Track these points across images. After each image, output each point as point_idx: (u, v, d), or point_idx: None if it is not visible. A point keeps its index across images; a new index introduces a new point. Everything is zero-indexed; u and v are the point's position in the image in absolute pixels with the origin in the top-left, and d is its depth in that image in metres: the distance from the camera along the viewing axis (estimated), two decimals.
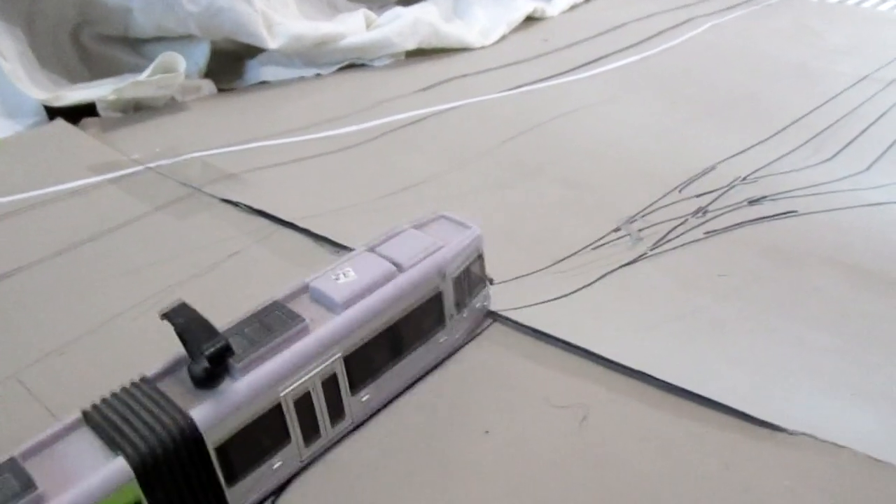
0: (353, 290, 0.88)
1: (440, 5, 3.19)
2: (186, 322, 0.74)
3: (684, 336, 1.17)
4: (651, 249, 1.49)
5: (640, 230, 1.57)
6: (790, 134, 2.25)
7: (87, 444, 0.70)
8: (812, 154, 2.10)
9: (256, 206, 1.49)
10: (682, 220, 1.63)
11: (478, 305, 1.09)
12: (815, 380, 1.10)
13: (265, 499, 0.84)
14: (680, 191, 1.78)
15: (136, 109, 2.00)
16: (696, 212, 1.68)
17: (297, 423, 0.83)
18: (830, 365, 1.14)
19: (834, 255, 1.55)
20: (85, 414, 0.73)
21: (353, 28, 2.51)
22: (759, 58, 3.13)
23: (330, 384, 0.86)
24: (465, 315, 1.05)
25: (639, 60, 3.01)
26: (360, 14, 2.59)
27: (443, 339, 1.02)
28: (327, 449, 0.91)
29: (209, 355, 0.72)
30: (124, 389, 0.75)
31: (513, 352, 1.08)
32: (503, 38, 3.14)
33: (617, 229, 1.51)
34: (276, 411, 0.80)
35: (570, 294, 1.26)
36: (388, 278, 0.91)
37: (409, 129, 2.14)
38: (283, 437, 0.83)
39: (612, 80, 2.73)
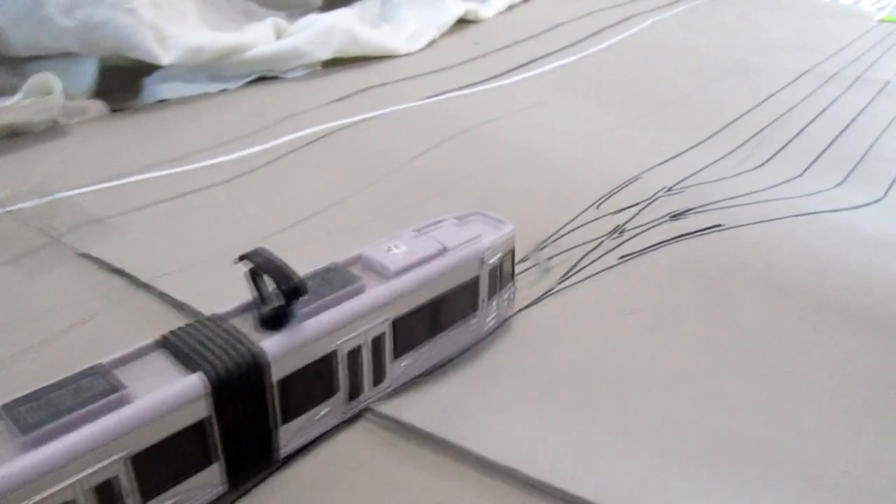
0: (405, 261, 0.94)
1: (366, 10, 3.03)
2: (264, 262, 0.81)
3: (575, 408, 1.02)
4: (559, 283, 1.34)
5: (549, 258, 1.42)
6: (723, 138, 2.12)
7: (166, 362, 0.76)
8: (745, 159, 1.97)
9: (117, 260, 1.31)
10: (597, 242, 1.49)
11: (506, 298, 1.14)
12: (731, 463, 0.95)
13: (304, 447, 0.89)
14: (598, 207, 1.64)
15: (12, 136, 1.81)
16: (613, 231, 1.53)
17: (345, 376, 0.89)
18: (753, 441, 0.98)
19: (760, 275, 1.41)
20: (163, 338, 0.78)
21: (261, 38, 2.34)
22: (699, 55, 3.01)
23: (377, 344, 0.91)
24: (493, 305, 1.10)
25: (574, 61, 2.87)
26: (269, 23, 2.42)
27: (474, 323, 1.07)
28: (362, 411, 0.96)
29: (286, 290, 0.79)
30: (198, 321, 0.81)
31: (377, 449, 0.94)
32: (432, 42, 2.99)
33: (524, 259, 1.36)
34: (330, 360, 0.86)
35: (453, 362, 1.10)
36: (435, 255, 0.97)
37: (316, 146, 1.97)
38: (331, 387, 0.88)
39: (543, 84, 2.59)
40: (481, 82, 2.54)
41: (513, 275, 1.15)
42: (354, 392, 0.92)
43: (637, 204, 1.65)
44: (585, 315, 1.27)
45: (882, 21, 3.67)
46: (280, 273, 0.80)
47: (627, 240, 1.50)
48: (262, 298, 0.83)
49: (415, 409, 1.00)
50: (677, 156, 1.96)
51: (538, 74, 2.69)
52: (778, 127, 2.22)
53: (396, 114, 2.21)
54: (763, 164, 1.95)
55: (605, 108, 2.35)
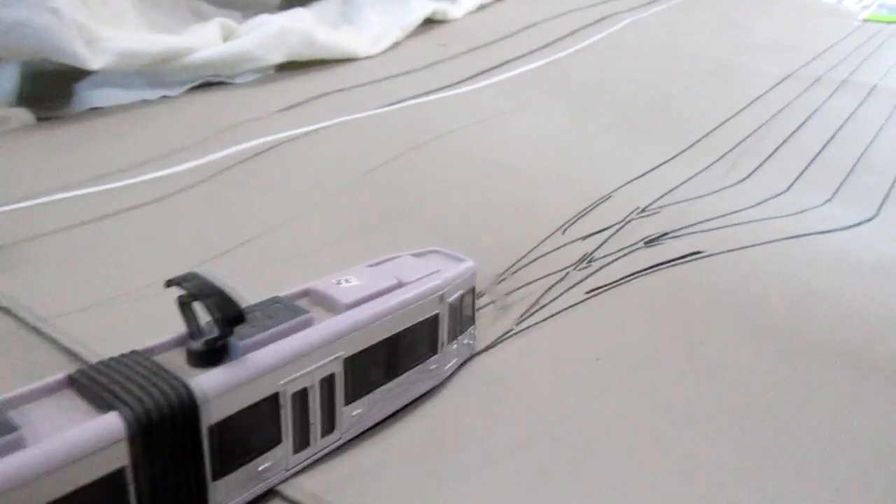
0: (357, 294, 0.87)
1: (326, 11, 2.86)
2: (198, 287, 0.71)
3: (530, 479, 0.86)
4: (517, 323, 1.18)
5: (507, 294, 1.26)
6: (703, 148, 1.97)
7: (75, 402, 0.66)
8: (726, 173, 1.82)
9: (14, 295, 1.14)
10: (563, 274, 1.33)
11: (465, 342, 1.07)
12: None
13: None
14: (563, 231, 1.47)
15: None
16: (580, 261, 1.37)
17: (290, 423, 0.79)
18: None
19: (746, 312, 1.25)
20: (70, 376, 0.68)
21: (206, 40, 2.16)
22: (679, 57, 2.86)
23: (328, 386, 0.83)
24: (454, 347, 1.03)
25: (546, 65, 2.71)
26: (216, 24, 2.24)
27: (434, 366, 0.99)
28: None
29: (224, 318, 0.70)
30: (115, 358, 0.71)
31: None
32: (396, 45, 2.82)
33: (480, 295, 1.20)
34: (273, 403, 0.76)
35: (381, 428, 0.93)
36: (391, 288, 0.91)
37: (261, 159, 1.80)
38: (275, 435, 0.78)
39: (511, 89, 2.43)
40: (445, 88, 2.38)
41: (473, 316, 1.08)
42: (302, 442, 0.82)
43: (608, 228, 1.49)
44: (547, 362, 1.11)
45: (866, 20, 3.55)
46: (217, 299, 0.70)
47: (596, 271, 1.34)
48: (194, 330, 0.73)
49: (333, 482, 0.83)
50: (653, 170, 1.80)
51: (507, 79, 2.53)
52: (761, 136, 2.08)
53: (352, 123, 2.04)
54: (746, 178, 1.79)
55: (578, 116, 2.20)
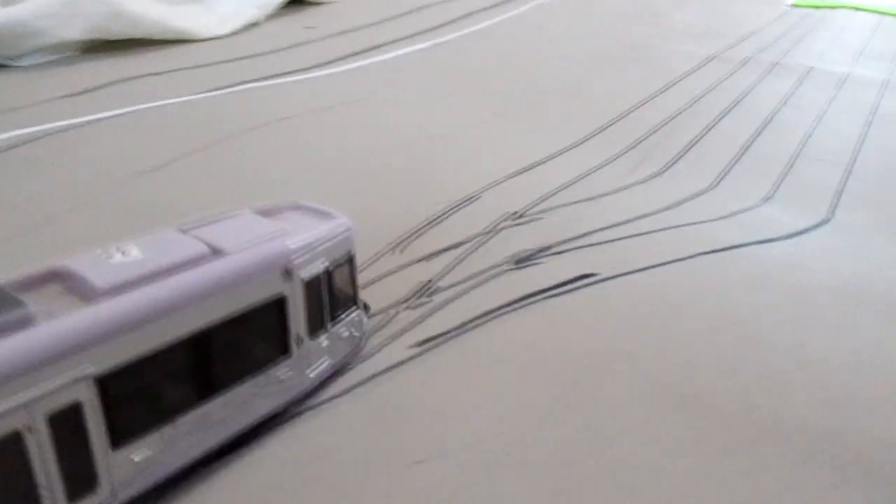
0: (130, 273, 0.60)
1: None
2: None
3: None
4: (311, 396, 0.72)
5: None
6: (608, 137, 1.55)
7: None
8: (636, 166, 1.39)
9: None
10: (390, 314, 0.87)
11: (345, 334, 0.77)
12: None
13: None
14: (401, 250, 1.01)
15: None
16: (419, 292, 0.92)
17: None
18: None
19: (655, 368, 0.82)
20: None
21: None
22: (587, 40, 2.46)
23: (67, 425, 0.56)
24: (323, 343, 0.74)
25: (429, 48, 2.27)
26: None
27: (285, 374, 0.71)
28: None
29: None
30: None
31: None
32: (253, 26, 2.34)
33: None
34: None
35: None
36: (194, 262, 0.63)
37: (22, 151, 1.31)
38: None
39: (380, 74, 1.98)
40: (295, 72, 1.91)
41: (356, 296, 0.81)
42: None
43: (465, 242, 1.04)
44: (340, 467, 0.65)
45: (794, 5, 3.23)
46: None
47: (439, 308, 0.89)
48: None
49: None
50: (540, 163, 1.36)
51: (377, 63, 2.08)
52: (680, 123, 1.67)
53: (154, 111, 1.55)
54: (660, 173, 1.37)
55: (458, 103, 1.75)
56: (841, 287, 1.00)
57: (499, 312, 0.89)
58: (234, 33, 2.26)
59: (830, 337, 0.88)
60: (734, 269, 1.02)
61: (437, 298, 0.91)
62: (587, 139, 1.53)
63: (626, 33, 2.57)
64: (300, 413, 0.73)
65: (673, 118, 1.69)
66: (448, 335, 0.85)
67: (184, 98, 1.64)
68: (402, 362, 0.81)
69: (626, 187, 1.28)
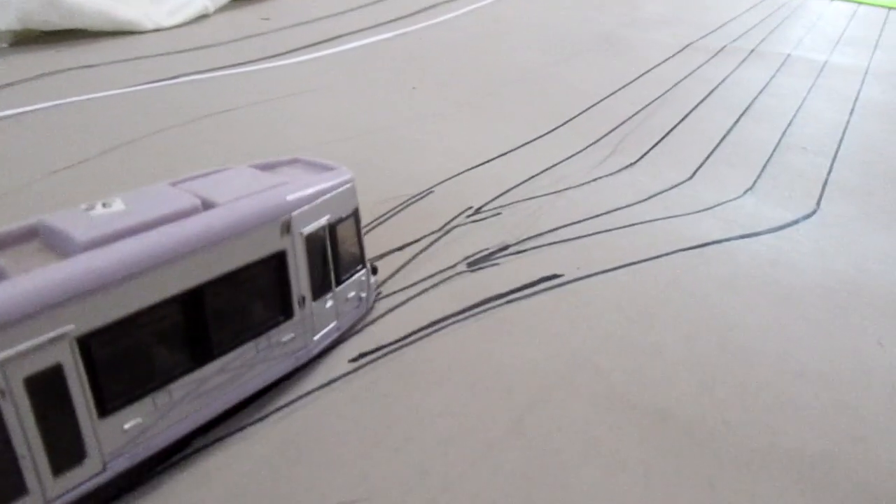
0: (112, 226, 0.55)
1: None
2: None
3: None
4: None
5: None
6: (578, 127, 1.44)
7: None
8: (606, 157, 1.29)
9: None
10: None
11: (351, 295, 0.72)
12: None
13: None
14: None
15: None
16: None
17: None
18: None
19: (630, 385, 0.70)
20: None
21: None
22: (556, 29, 2.36)
23: (47, 389, 0.51)
24: (328, 304, 0.69)
25: (391, 39, 2.15)
26: None
27: (288, 337, 0.66)
28: None
29: None
30: None
31: None
32: (204, 17, 2.21)
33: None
34: None
35: None
36: (183, 215, 0.58)
37: None
38: None
39: (337, 65, 1.85)
40: (242, 64, 1.78)
41: (362, 255, 0.74)
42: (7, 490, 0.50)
43: (415, 242, 0.92)
44: None
45: None
46: None
47: (372, 322, 0.77)
48: None
49: None
50: (502, 155, 1.25)
51: (334, 54, 1.96)
52: (654, 111, 1.56)
53: (81, 105, 1.42)
54: (633, 164, 1.27)
55: (416, 94, 1.64)
56: (830, 286, 0.90)
57: (450, 321, 0.78)
58: (182, 25, 2.13)
59: (819, 344, 0.78)
60: (713, 267, 0.91)
61: (381, 305, 0.80)
62: (553, 130, 1.42)
63: (595, 22, 2.47)
64: (206, 447, 0.61)
65: (645, 107, 1.59)
66: (391, 347, 0.74)
67: (117, 91, 1.51)
68: (335, 380, 0.69)
69: (594, 180, 1.18)
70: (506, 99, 1.62)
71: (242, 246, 0.61)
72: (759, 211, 1.10)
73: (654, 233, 0.98)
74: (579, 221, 0.99)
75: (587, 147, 1.33)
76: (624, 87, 1.74)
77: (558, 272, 0.86)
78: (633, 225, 1.00)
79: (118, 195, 0.60)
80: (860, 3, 3.06)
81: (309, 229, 0.67)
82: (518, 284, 0.84)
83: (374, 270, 0.78)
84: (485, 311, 0.80)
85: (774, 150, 1.38)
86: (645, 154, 1.32)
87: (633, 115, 1.53)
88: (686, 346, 0.76)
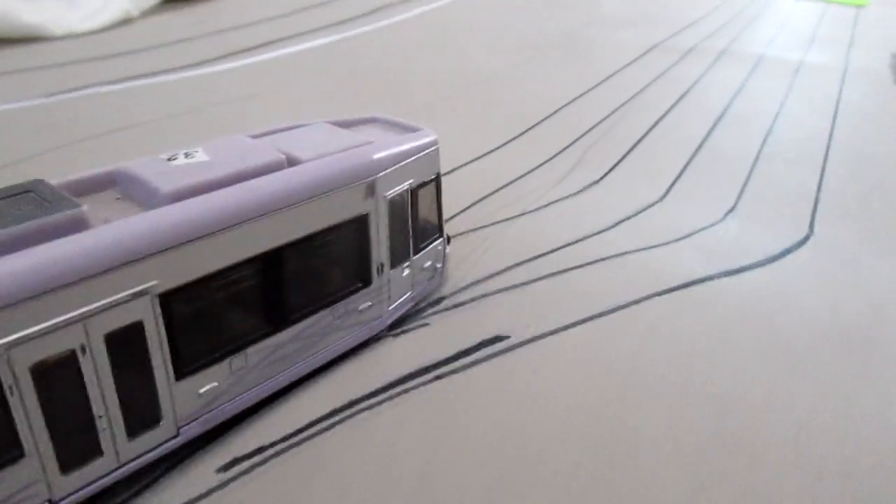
0: (196, 178, 0.52)
1: None
2: None
3: None
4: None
5: None
6: (535, 137, 1.27)
7: None
8: (568, 172, 1.12)
9: None
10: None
11: (427, 265, 0.70)
12: None
13: None
14: None
15: None
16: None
17: (41, 420, 0.46)
18: None
19: (605, 485, 0.53)
20: None
21: None
22: (516, 30, 2.19)
23: (127, 347, 0.49)
24: (404, 274, 0.66)
25: (334, 43, 1.97)
26: None
27: (364, 305, 0.62)
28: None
29: None
30: None
31: None
32: (127, 21, 2.01)
33: None
34: None
35: None
36: (266, 170, 0.55)
37: None
38: (10, 445, 0.45)
39: (267, 73, 1.67)
40: (164, 72, 1.59)
41: (440, 222, 0.71)
42: (76, 454, 0.48)
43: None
44: None
45: None
46: None
47: (265, 411, 0.59)
48: None
49: None
50: (450, 172, 1.07)
51: (269, 60, 1.77)
52: (620, 120, 1.40)
53: None
54: (598, 182, 1.10)
55: (352, 104, 1.46)
56: (841, 331, 0.73)
57: (358, 407, 0.60)
58: (100, 30, 1.93)
59: (839, 419, 0.61)
60: (697, 315, 0.74)
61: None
62: (509, 142, 1.25)
63: (556, 22, 2.31)
64: None
65: (611, 114, 1.43)
66: (276, 448, 0.56)
67: (14, 105, 1.31)
68: (195, 501, 0.51)
69: (553, 202, 1.00)
70: (457, 107, 1.44)
71: (326, 207, 0.58)
72: (745, 237, 0.94)
73: (623, 271, 0.81)
74: (532, 259, 0.82)
75: (547, 161, 1.17)
76: (587, 91, 1.57)
77: (503, 333, 0.68)
78: (598, 261, 0.83)
79: (200, 144, 0.57)
80: (829, 1, 2.94)
81: (392, 193, 0.63)
82: (451, 352, 0.66)
83: (448, 240, 0.75)
84: (406, 391, 0.62)
85: (755, 161, 1.22)
86: (612, 168, 1.15)
87: (597, 123, 1.37)
88: (670, 432, 0.58)
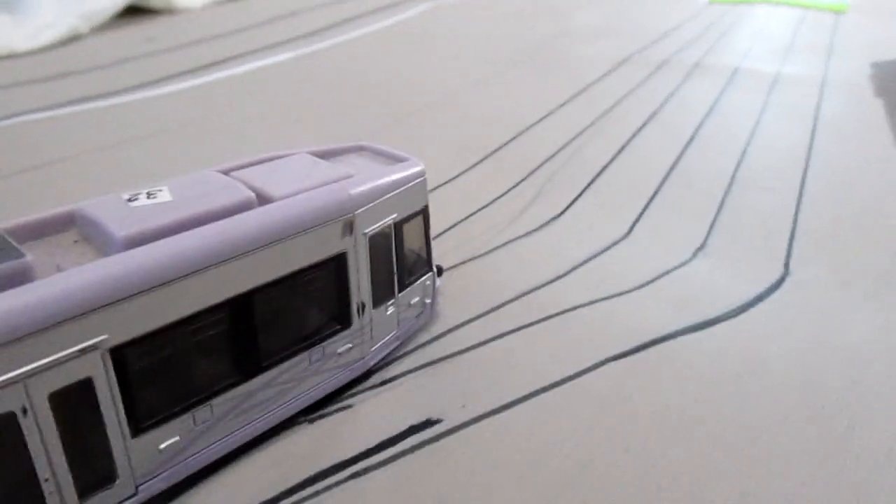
0: (156, 221, 0.50)
1: None
2: None
3: None
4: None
5: None
6: (495, 164, 1.19)
7: None
8: (527, 205, 1.04)
9: None
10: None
11: (414, 301, 0.67)
12: None
13: None
14: None
15: None
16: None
17: None
18: None
19: None
20: None
21: None
22: (482, 44, 2.11)
23: (74, 406, 0.46)
24: (389, 313, 0.63)
25: (292, 60, 1.88)
26: None
27: (344, 348, 0.60)
28: None
29: None
30: None
31: None
32: (76, 38, 1.92)
33: None
34: None
35: None
36: (235, 210, 0.53)
37: None
38: None
39: (222, 92, 1.58)
40: (114, 94, 1.50)
41: (429, 258, 0.67)
42: None
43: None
44: None
45: (711, 2, 2.97)
46: None
47: None
48: None
49: None
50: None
51: (224, 78, 1.68)
52: (587, 142, 1.32)
53: None
54: (558, 217, 1.02)
55: (307, 124, 1.37)
56: (823, 402, 0.65)
57: None
58: (47, 48, 1.83)
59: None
60: (653, 385, 0.66)
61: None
62: (466, 171, 1.17)
63: (522, 36, 2.23)
64: None
65: (577, 136, 1.35)
66: None
67: None
68: None
69: (505, 243, 0.92)
70: (414, 131, 1.36)
71: (299, 247, 0.55)
72: (715, 281, 0.86)
73: (577, 328, 0.73)
74: (473, 320, 0.73)
75: (506, 192, 1.08)
76: (554, 111, 1.50)
77: (435, 416, 0.60)
78: (549, 318, 0.75)
79: (165, 183, 0.54)
80: (807, 7, 2.89)
81: (374, 229, 0.60)
82: (374, 441, 0.58)
83: (440, 272, 0.71)
84: (321, 491, 0.53)
85: (728, 188, 1.15)
86: (575, 199, 1.07)
87: (563, 147, 1.29)
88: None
